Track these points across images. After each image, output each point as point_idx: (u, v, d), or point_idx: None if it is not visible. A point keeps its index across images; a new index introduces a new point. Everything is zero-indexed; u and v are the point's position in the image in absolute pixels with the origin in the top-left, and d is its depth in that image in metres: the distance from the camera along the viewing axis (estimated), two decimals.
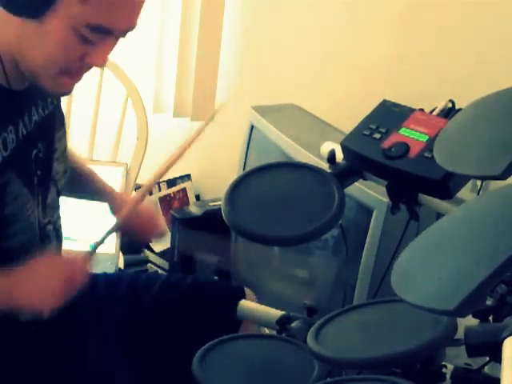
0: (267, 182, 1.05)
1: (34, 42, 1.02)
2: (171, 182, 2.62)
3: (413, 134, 0.98)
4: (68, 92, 1.12)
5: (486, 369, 0.86)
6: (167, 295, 1.34)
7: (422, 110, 1.03)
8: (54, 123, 1.23)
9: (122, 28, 1.03)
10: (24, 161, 1.13)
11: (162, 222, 1.40)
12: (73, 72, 1.06)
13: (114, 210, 1.40)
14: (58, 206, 1.27)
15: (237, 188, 1.02)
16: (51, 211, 1.22)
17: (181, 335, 1.28)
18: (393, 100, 1.07)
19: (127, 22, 1.03)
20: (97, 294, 1.36)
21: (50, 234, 1.22)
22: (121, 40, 1.07)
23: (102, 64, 1.06)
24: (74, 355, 1.26)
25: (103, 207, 1.98)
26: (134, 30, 1.06)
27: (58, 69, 1.04)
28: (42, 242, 1.18)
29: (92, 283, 1.37)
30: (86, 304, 1.34)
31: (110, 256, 2.00)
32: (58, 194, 1.25)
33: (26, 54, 1.04)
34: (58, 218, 1.26)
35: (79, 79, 1.09)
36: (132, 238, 1.39)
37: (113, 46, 1.06)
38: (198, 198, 2.67)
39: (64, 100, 1.36)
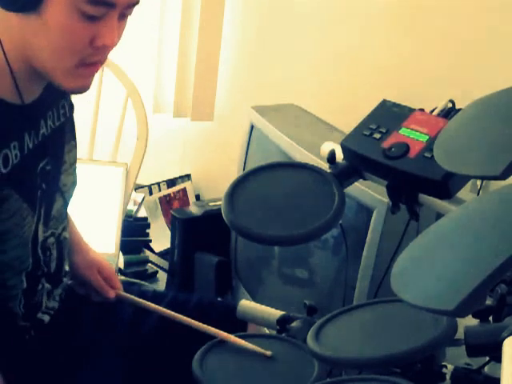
0: (267, 181, 1.05)
1: (38, 35, 0.98)
2: (171, 182, 2.63)
3: (413, 134, 0.98)
4: (86, 87, 1.07)
5: (486, 369, 0.86)
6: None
7: (422, 109, 1.03)
8: (64, 135, 1.21)
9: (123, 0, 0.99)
10: (27, 175, 1.10)
11: (119, 283, 1.37)
12: (87, 61, 1.02)
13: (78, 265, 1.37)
14: (65, 218, 1.24)
15: (237, 188, 1.02)
16: (55, 223, 1.19)
17: (184, 352, 1.28)
18: (393, 100, 1.07)
19: None
20: (102, 311, 1.36)
21: (51, 247, 1.19)
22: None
23: (112, 44, 1.01)
24: (74, 365, 1.26)
25: (102, 208, 1.98)
26: (138, 11, 1.02)
27: (72, 59, 1.00)
28: (43, 255, 1.17)
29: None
30: (92, 318, 1.34)
31: (110, 256, 2.00)
32: (66, 206, 1.23)
33: (33, 51, 1.00)
34: (64, 229, 1.24)
35: (95, 71, 1.05)
36: (81, 291, 1.37)
37: (120, 26, 1.02)
38: (198, 197, 2.68)
39: None
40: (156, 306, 1.28)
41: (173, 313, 1.25)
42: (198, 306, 1.38)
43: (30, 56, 1.02)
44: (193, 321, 1.21)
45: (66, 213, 1.25)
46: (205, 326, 1.17)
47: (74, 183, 1.25)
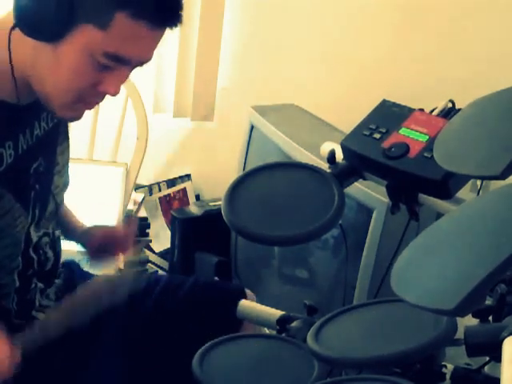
0: (267, 181, 1.05)
1: (49, 64, 1.01)
2: (171, 182, 2.62)
3: (413, 134, 0.98)
4: (78, 118, 1.10)
5: (486, 369, 0.86)
6: (168, 298, 1.34)
7: (421, 109, 1.03)
8: (57, 137, 1.22)
9: (139, 59, 1.03)
10: (20, 175, 1.11)
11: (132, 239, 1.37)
12: (86, 100, 1.05)
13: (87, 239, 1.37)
14: (55, 218, 1.25)
15: (237, 188, 1.02)
16: (47, 224, 1.20)
17: (182, 337, 1.27)
18: (393, 100, 1.07)
19: (145, 54, 1.03)
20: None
21: (44, 247, 1.20)
22: None
23: (114, 93, 1.05)
24: (72, 358, 1.25)
25: (102, 208, 1.98)
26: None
27: (72, 96, 1.03)
28: (36, 255, 1.18)
29: None
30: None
31: None
32: (57, 207, 1.24)
33: (39, 76, 1.03)
34: (54, 228, 1.25)
35: (91, 108, 1.09)
36: (101, 263, 1.38)
37: (127, 75, 1.05)
38: (197, 197, 2.68)
39: None
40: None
41: None
42: (193, 287, 1.38)
43: (34, 80, 1.04)
44: None
45: (56, 213, 1.25)
46: None
47: (66, 184, 1.26)
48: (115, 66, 1.01)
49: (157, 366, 1.29)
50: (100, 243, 1.34)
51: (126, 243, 1.33)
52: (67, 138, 1.26)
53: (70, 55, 0.99)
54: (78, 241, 1.38)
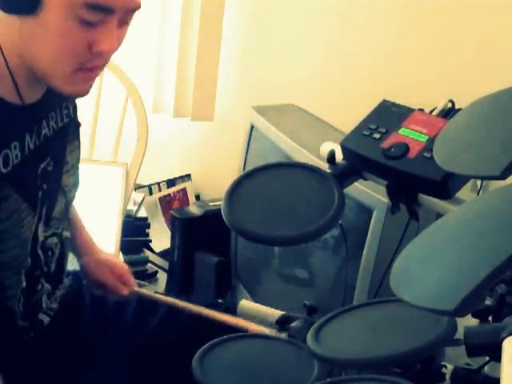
0: (267, 181, 1.05)
1: (37, 38, 0.98)
2: (171, 182, 2.63)
3: (412, 134, 0.98)
4: (84, 92, 1.06)
5: (486, 369, 0.86)
6: (173, 318, 1.35)
7: (421, 109, 1.03)
8: (67, 136, 1.21)
9: (121, 5, 0.98)
10: (28, 175, 1.10)
11: (132, 280, 1.40)
12: (86, 67, 1.01)
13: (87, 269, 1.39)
14: (66, 218, 1.24)
15: (237, 188, 1.02)
16: (56, 223, 1.19)
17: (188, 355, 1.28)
18: (393, 100, 1.07)
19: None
20: (104, 313, 1.36)
21: (53, 247, 1.19)
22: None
23: (110, 49, 1.00)
24: (74, 368, 1.25)
25: (102, 208, 1.98)
26: (138, 12, 1.00)
27: (69, 63, 1.00)
28: (44, 254, 1.17)
29: (100, 301, 1.37)
30: (93, 321, 1.34)
31: None
32: (67, 206, 1.22)
33: (32, 53, 1.00)
34: (65, 229, 1.24)
35: (94, 76, 1.05)
36: (99, 292, 1.39)
37: (119, 32, 1.02)
38: (197, 197, 2.68)
39: None
40: (171, 299, 1.29)
41: (187, 304, 1.26)
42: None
43: (30, 59, 1.02)
44: (214, 312, 1.24)
45: (67, 213, 1.24)
46: (232, 318, 1.20)
47: (76, 184, 1.25)
48: (102, 19, 0.97)
49: (160, 377, 1.29)
50: (100, 283, 1.37)
51: (124, 293, 1.37)
52: (77, 136, 1.25)
53: (53, 18, 0.96)
54: (78, 260, 1.40)
